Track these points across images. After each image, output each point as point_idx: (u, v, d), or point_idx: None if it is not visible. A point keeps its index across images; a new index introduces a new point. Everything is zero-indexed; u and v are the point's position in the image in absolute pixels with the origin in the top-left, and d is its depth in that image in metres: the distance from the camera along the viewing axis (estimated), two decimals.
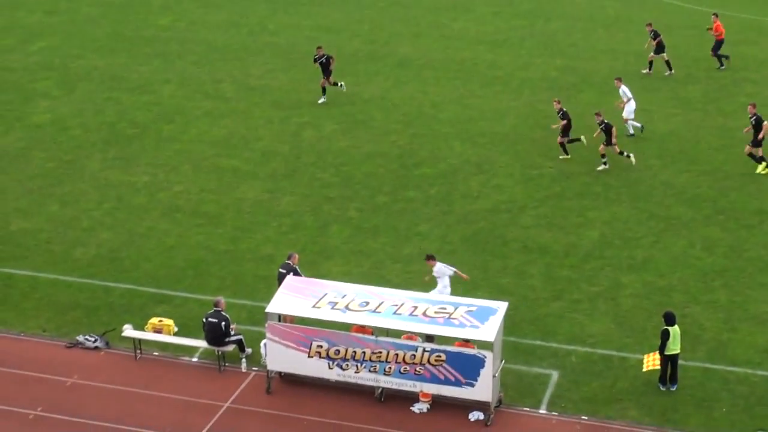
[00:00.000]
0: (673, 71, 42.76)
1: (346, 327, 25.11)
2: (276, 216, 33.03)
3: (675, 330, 24.81)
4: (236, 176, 35.51)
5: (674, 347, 24.85)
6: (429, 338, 24.62)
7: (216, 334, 25.97)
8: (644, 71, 43.01)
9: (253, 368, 26.19)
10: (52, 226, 32.56)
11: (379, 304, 24.88)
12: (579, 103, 40.10)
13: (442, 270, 27.41)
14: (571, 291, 29.04)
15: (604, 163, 35.16)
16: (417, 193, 34.24)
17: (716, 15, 44.12)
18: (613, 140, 34.80)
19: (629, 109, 37.60)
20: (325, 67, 39.64)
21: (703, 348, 26.57)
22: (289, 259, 27.49)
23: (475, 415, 24.47)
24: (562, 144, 35.96)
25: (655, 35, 42.75)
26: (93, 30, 49.02)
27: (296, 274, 26.78)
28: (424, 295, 25.54)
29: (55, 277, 30.01)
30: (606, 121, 34.85)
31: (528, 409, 24.80)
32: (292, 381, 25.69)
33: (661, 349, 24.81)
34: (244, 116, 39.98)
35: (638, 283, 29.33)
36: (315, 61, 39.97)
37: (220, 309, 26.13)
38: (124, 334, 26.97)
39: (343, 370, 24.81)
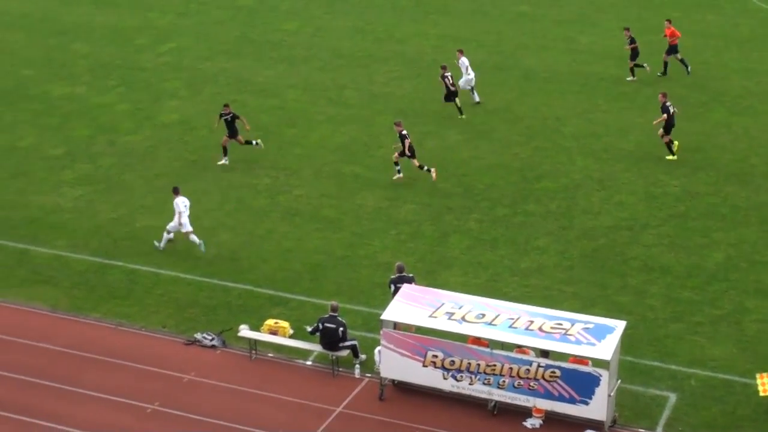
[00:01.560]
0: (635, 78, 43.15)
1: (462, 338, 24.97)
2: (395, 224, 33.05)
3: None
4: (357, 182, 35.65)
5: None
6: (544, 353, 24.34)
7: (332, 339, 26.07)
8: (628, 78, 43.26)
9: (367, 374, 26.23)
10: None
11: (495, 317, 24.70)
12: (707, 123, 39.24)
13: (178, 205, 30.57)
14: (692, 313, 28.38)
15: (398, 172, 35.31)
16: (537, 206, 33.90)
17: (669, 21, 43.99)
18: (407, 152, 34.69)
19: (467, 78, 40.74)
20: (230, 125, 36.72)
21: None
22: (401, 272, 27.08)
23: None
24: (451, 102, 39.54)
25: (631, 41, 42.84)
26: (221, 33, 49.82)
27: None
28: (541, 310, 25.24)
29: (176, 274, 30.56)
30: (404, 132, 34.67)
31: (643, 430, 24.35)
32: (405, 389, 25.66)
33: None
34: (366, 123, 40.12)
35: (765, 308, 28.49)
36: (220, 117, 36.96)
37: (336, 314, 26.22)
38: (240, 334, 27.29)
39: (457, 381, 24.68)
